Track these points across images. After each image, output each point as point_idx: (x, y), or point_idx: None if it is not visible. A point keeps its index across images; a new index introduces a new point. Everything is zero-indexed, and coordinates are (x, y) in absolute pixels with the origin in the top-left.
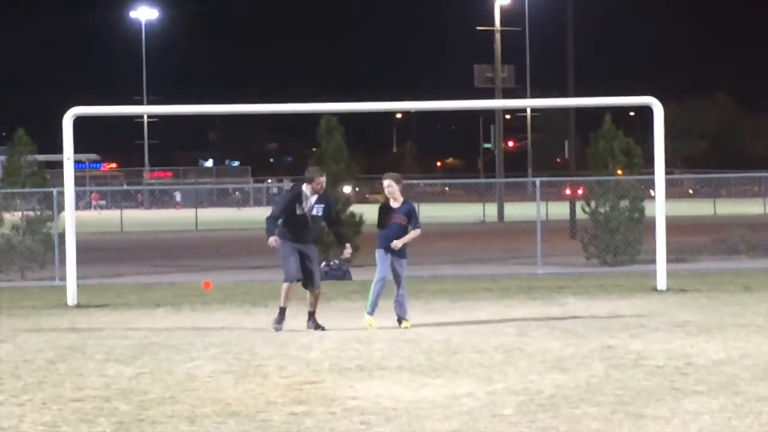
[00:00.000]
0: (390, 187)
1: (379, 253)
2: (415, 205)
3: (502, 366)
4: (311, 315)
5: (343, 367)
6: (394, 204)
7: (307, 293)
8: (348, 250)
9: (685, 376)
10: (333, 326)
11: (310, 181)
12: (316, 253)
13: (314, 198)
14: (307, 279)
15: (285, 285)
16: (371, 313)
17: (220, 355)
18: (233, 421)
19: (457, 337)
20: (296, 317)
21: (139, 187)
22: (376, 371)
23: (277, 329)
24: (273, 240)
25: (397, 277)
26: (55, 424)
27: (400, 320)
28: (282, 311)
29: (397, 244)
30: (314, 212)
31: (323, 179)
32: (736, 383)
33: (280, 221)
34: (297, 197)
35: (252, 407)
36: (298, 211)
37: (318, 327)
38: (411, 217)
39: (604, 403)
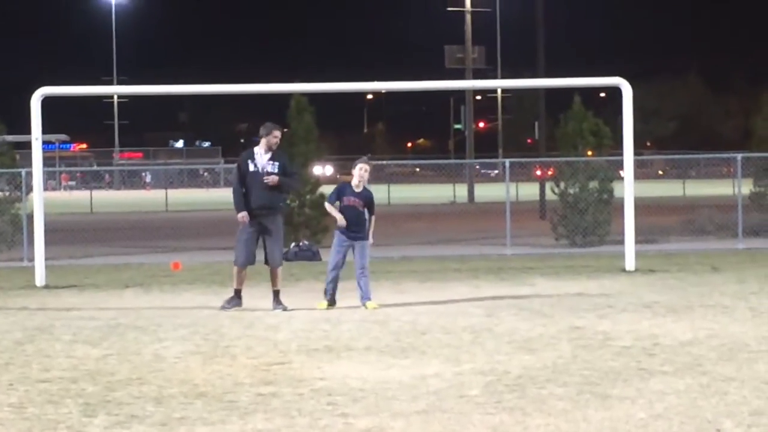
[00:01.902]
0: (367, 173)
1: (338, 239)
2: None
3: (469, 347)
4: (275, 294)
5: (310, 347)
6: (357, 188)
7: (269, 271)
8: (273, 178)
9: (651, 357)
10: (301, 307)
11: (266, 135)
12: (277, 227)
13: (267, 156)
14: (266, 256)
15: (234, 268)
16: (330, 301)
17: (188, 336)
18: (200, 402)
19: (425, 317)
20: (264, 298)
21: (109, 168)
22: (344, 352)
23: (224, 308)
24: (243, 216)
25: (359, 262)
26: (22, 405)
27: (364, 303)
28: (236, 292)
29: (371, 242)
30: (268, 169)
31: (279, 133)
32: (703, 364)
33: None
34: (249, 155)
35: (219, 388)
36: (252, 168)
37: (280, 306)
38: (370, 206)
39: (571, 384)
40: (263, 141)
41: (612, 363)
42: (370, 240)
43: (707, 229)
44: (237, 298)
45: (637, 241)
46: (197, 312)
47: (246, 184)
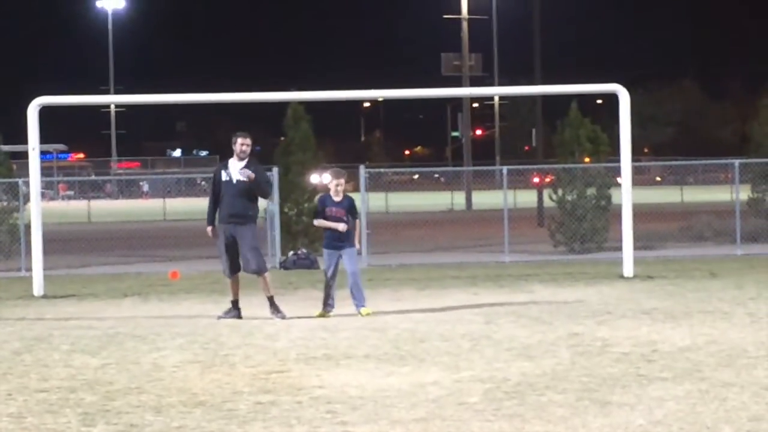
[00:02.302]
0: (341, 186)
1: (326, 253)
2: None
3: (468, 354)
4: (270, 301)
5: (309, 356)
6: (337, 198)
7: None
8: (249, 173)
9: (650, 363)
10: (300, 315)
11: (234, 144)
12: (251, 234)
13: (240, 164)
14: (244, 265)
15: (227, 280)
16: (326, 309)
17: (186, 345)
18: (199, 410)
19: (423, 325)
20: (262, 306)
21: (107, 178)
22: (343, 360)
23: (220, 318)
24: (210, 230)
25: (349, 269)
26: (21, 415)
27: (359, 310)
28: (233, 304)
29: (358, 248)
30: (240, 177)
31: (247, 140)
32: (702, 369)
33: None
34: (223, 166)
35: (218, 397)
36: (225, 178)
37: (278, 314)
38: (353, 212)
39: (570, 391)
40: (235, 151)
41: (611, 369)
42: (356, 245)
43: (705, 235)
44: (234, 309)
45: (636, 248)
46: (196, 321)
47: (221, 194)
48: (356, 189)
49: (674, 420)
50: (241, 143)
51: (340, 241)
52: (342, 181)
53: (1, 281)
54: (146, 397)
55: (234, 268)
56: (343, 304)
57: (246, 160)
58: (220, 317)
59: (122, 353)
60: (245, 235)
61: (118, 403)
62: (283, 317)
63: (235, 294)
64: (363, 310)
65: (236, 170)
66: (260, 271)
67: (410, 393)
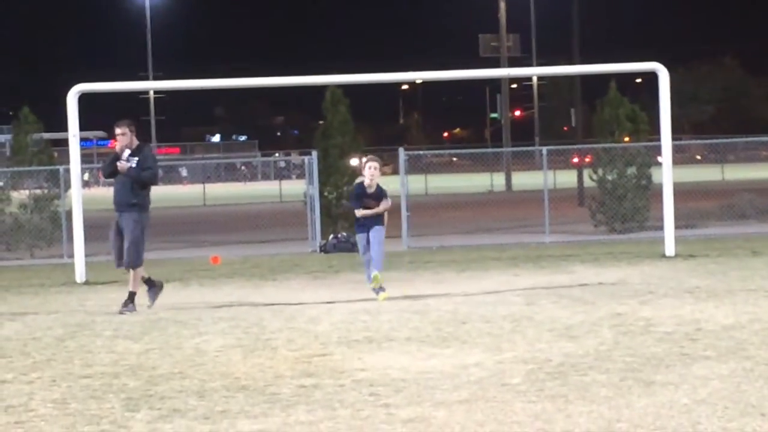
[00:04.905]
0: (377, 170)
1: (359, 238)
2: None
3: (510, 335)
4: (128, 295)
5: (351, 339)
6: (370, 189)
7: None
8: (122, 164)
9: (694, 342)
10: (341, 299)
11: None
12: (131, 225)
13: (126, 153)
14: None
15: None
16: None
17: (228, 330)
18: (242, 395)
19: (465, 306)
20: (304, 291)
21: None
22: (385, 342)
23: (121, 312)
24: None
25: (372, 243)
26: (65, 401)
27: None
28: (129, 295)
29: (366, 213)
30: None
31: (120, 130)
32: (746, 348)
33: None
34: (117, 155)
35: (261, 381)
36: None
37: (126, 309)
38: (382, 199)
39: (613, 370)
40: None
41: (654, 349)
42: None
43: (747, 213)
44: (131, 302)
45: (677, 227)
46: (237, 305)
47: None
48: (396, 171)
49: (719, 399)
50: (117, 132)
51: (371, 224)
52: (377, 165)
53: (43, 268)
54: (189, 382)
55: (117, 259)
56: (389, 286)
57: (132, 148)
58: (121, 312)
59: (165, 338)
60: (127, 224)
61: (161, 388)
62: (132, 311)
63: (136, 285)
64: (374, 277)
65: (124, 158)
66: (129, 266)
67: (453, 375)
